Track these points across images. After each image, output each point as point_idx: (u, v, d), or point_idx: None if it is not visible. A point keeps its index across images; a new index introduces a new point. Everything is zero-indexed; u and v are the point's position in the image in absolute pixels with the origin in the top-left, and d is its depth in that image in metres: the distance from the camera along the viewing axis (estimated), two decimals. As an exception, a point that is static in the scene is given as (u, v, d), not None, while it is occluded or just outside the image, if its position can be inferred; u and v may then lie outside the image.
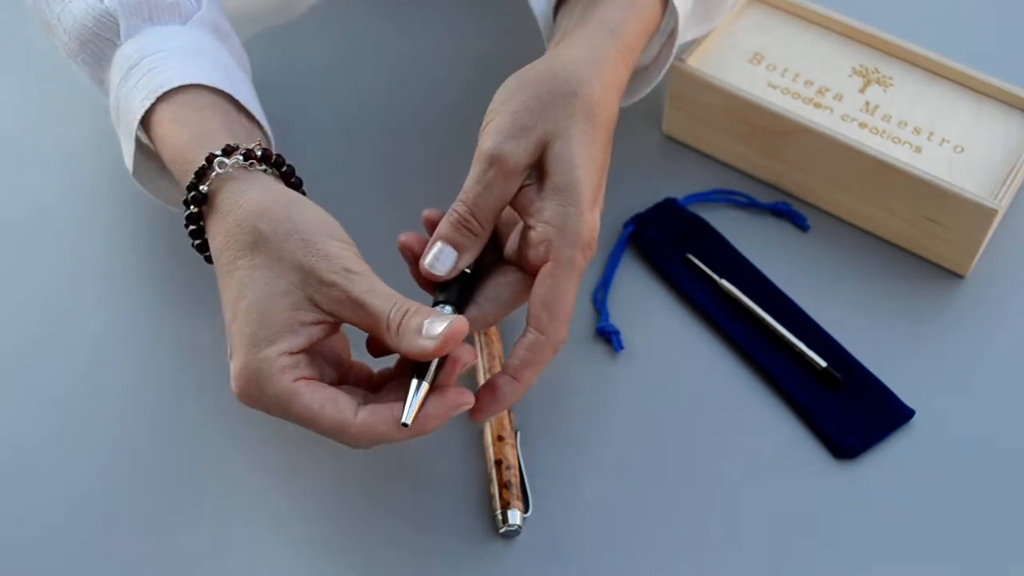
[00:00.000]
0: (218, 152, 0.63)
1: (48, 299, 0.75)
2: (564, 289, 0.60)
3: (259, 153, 0.64)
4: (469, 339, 0.71)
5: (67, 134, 0.84)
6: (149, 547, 0.66)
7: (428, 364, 0.59)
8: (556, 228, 0.60)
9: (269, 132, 0.70)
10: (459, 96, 0.85)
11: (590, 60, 0.64)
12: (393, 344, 0.59)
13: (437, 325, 0.58)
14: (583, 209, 0.61)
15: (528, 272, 0.62)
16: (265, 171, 0.64)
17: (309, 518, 0.67)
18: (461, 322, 0.58)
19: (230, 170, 0.63)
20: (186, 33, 0.69)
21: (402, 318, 0.58)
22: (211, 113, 0.66)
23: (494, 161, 0.61)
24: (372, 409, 0.59)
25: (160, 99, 0.66)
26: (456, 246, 0.62)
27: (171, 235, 0.74)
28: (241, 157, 0.63)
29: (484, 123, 0.63)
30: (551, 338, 0.60)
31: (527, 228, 0.62)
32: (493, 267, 0.64)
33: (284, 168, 0.65)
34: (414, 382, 0.59)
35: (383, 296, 0.59)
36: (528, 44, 0.78)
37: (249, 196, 0.62)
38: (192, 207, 0.63)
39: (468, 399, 0.59)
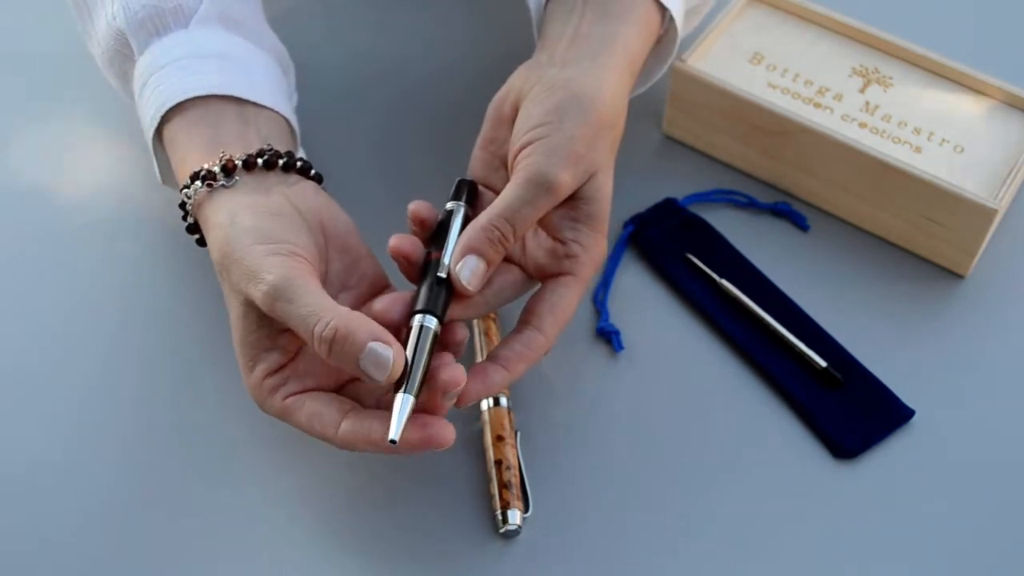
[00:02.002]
0: (188, 182, 0.64)
1: (68, 301, 0.75)
2: (573, 300, 0.63)
3: (217, 169, 0.64)
4: (470, 344, 0.71)
5: (92, 135, 0.85)
6: (151, 546, 0.66)
7: (411, 373, 0.58)
8: (585, 249, 0.63)
9: (283, 110, 0.69)
10: (463, 86, 0.85)
11: (622, 91, 0.66)
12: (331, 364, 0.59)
13: (380, 362, 0.57)
14: (604, 234, 0.64)
15: (529, 274, 0.64)
16: (226, 185, 0.64)
17: (310, 518, 0.67)
18: (400, 361, 0.57)
19: (196, 198, 0.64)
20: (188, 39, 0.68)
21: (331, 342, 0.57)
22: (200, 128, 0.66)
23: (550, 188, 0.61)
24: (352, 422, 0.59)
25: (163, 119, 0.67)
26: (488, 262, 0.61)
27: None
28: (200, 183, 0.64)
29: (530, 135, 0.63)
30: (548, 340, 0.62)
31: (555, 240, 0.64)
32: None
33: (266, 158, 0.65)
34: (399, 396, 0.58)
35: (302, 313, 0.58)
36: (524, 36, 0.78)
37: (209, 224, 0.64)
38: (195, 236, 0.67)
39: (447, 437, 0.58)
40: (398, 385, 0.58)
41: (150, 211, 0.79)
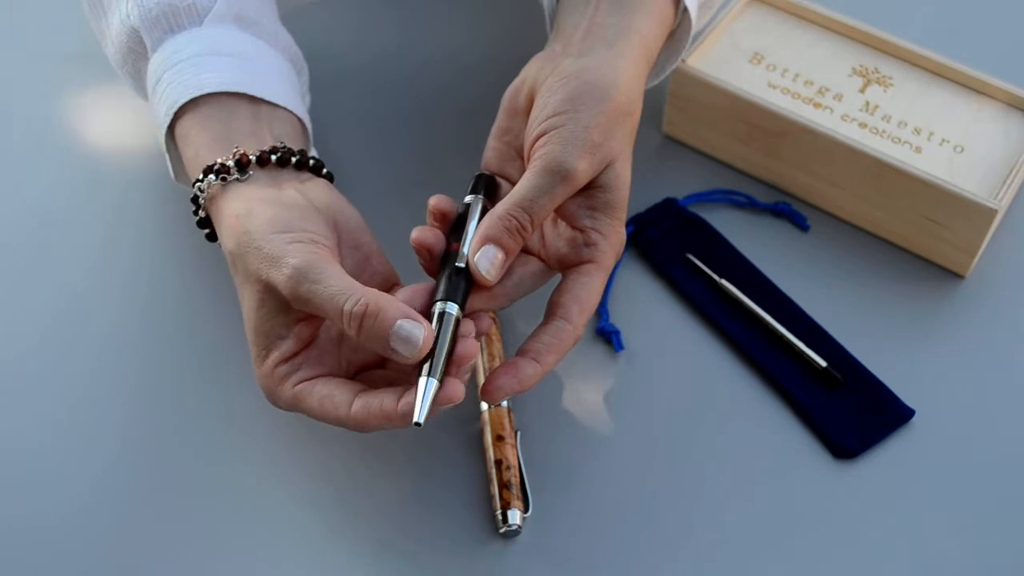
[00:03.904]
0: (200, 176, 0.65)
1: (72, 294, 0.76)
2: (597, 288, 0.63)
3: (231, 163, 0.64)
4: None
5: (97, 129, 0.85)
6: (149, 544, 0.66)
7: (435, 358, 0.59)
8: (604, 236, 0.63)
9: (296, 109, 0.69)
10: (473, 83, 0.85)
11: (637, 78, 0.66)
12: (359, 342, 0.59)
13: (410, 338, 0.58)
14: (623, 221, 0.64)
15: (550, 265, 0.65)
16: (240, 179, 0.64)
17: (309, 518, 0.67)
18: (429, 336, 0.58)
19: (210, 192, 0.65)
20: (202, 36, 0.69)
21: (361, 321, 0.58)
22: (213, 123, 0.66)
23: (567, 176, 0.61)
24: (363, 402, 0.60)
25: (176, 115, 0.67)
26: (507, 251, 0.61)
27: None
28: (214, 176, 0.64)
29: (545, 124, 0.63)
30: (575, 329, 0.62)
31: (575, 229, 0.64)
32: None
33: (279, 155, 0.65)
34: (422, 379, 0.58)
35: (330, 292, 0.58)
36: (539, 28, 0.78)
37: (222, 216, 0.64)
38: (206, 230, 0.67)
39: (456, 393, 0.59)
40: (420, 366, 0.59)
41: (155, 207, 0.79)
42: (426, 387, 0.58)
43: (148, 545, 0.66)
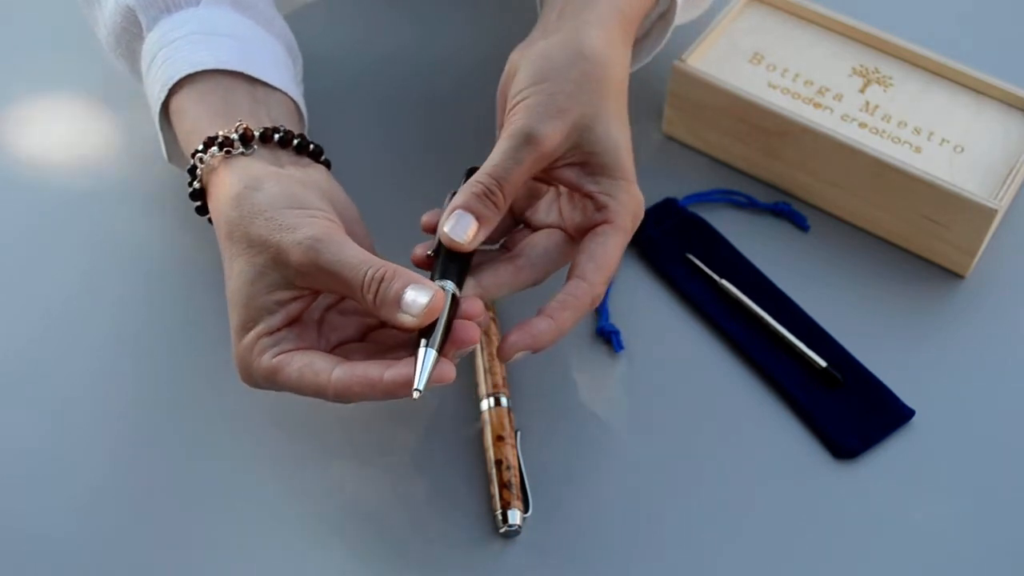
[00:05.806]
0: (200, 147, 0.64)
1: (69, 294, 0.76)
2: (614, 248, 0.63)
3: (235, 136, 0.64)
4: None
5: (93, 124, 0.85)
6: (149, 547, 0.66)
7: (435, 328, 0.59)
8: (613, 197, 0.63)
9: (292, 93, 0.70)
10: (475, 78, 0.85)
11: (610, 42, 0.66)
12: (374, 312, 0.59)
13: (418, 299, 0.58)
14: (632, 181, 0.64)
15: (572, 236, 0.65)
16: (244, 152, 0.64)
17: (309, 518, 0.67)
18: (439, 297, 0.58)
19: (211, 162, 0.64)
20: (200, 15, 0.69)
21: (379, 285, 0.58)
22: (212, 99, 0.66)
23: (530, 140, 0.61)
24: (346, 368, 0.59)
25: (171, 90, 0.67)
26: (478, 216, 0.61)
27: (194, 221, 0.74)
28: (216, 148, 0.64)
29: (514, 101, 0.63)
30: (592, 287, 0.62)
31: (584, 197, 0.64)
32: (540, 230, 0.65)
33: (281, 135, 0.65)
34: (422, 349, 0.58)
35: (354, 262, 0.59)
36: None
37: (224, 186, 0.63)
38: (197, 202, 0.66)
39: (449, 374, 0.59)
40: (421, 336, 0.59)
41: (150, 204, 0.79)
42: (425, 356, 0.58)
43: (146, 546, 0.66)
